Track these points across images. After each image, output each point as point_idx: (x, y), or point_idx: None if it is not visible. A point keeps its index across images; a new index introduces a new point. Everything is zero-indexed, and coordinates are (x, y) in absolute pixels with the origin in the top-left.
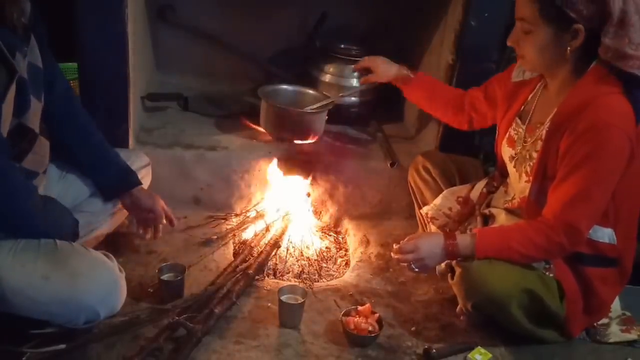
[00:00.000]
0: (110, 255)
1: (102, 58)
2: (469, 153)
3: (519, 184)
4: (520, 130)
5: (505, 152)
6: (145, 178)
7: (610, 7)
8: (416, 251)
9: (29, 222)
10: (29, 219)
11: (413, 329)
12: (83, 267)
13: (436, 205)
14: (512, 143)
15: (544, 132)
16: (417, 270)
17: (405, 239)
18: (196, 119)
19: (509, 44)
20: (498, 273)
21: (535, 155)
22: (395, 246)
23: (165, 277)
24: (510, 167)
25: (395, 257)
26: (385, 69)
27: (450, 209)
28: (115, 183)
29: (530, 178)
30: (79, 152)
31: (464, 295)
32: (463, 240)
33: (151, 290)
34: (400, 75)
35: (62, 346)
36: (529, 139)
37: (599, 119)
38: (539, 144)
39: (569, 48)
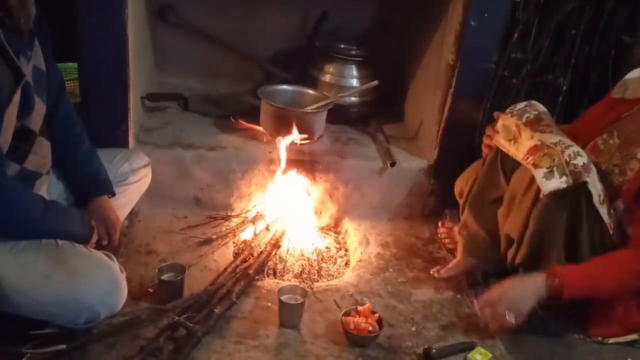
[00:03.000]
0: (111, 255)
1: (102, 58)
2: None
3: None
4: (612, 142)
5: None
6: (145, 178)
7: None
8: (504, 297)
9: (28, 228)
10: (26, 225)
11: (413, 329)
12: (84, 267)
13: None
14: (596, 152)
15: None
16: (512, 319)
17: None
18: (196, 119)
19: None
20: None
21: (629, 173)
22: (476, 304)
23: (165, 277)
24: None
25: (484, 311)
26: None
27: None
28: (83, 191)
29: (614, 191)
30: (65, 160)
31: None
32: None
33: (151, 290)
34: None
35: (63, 346)
36: (618, 154)
37: None
38: (634, 163)
39: None
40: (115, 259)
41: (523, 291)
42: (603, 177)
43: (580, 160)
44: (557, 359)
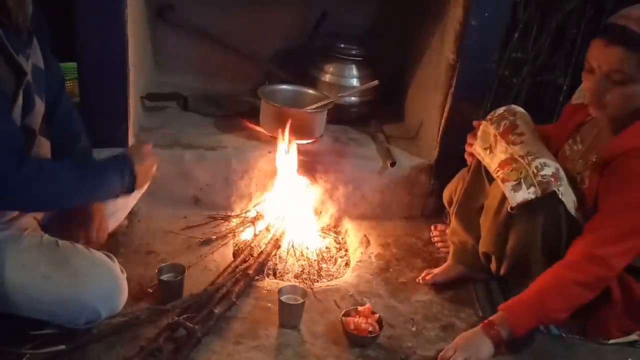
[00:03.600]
0: (112, 255)
1: (102, 58)
2: None
3: None
4: (576, 148)
5: None
6: None
7: None
8: (458, 349)
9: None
10: (68, 194)
11: (413, 329)
12: (84, 267)
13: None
14: (564, 158)
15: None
16: None
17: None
18: (196, 119)
19: (591, 95)
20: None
21: (587, 181)
22: None
23: (164, 277)
24: None
25: None
26: None
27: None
28: None
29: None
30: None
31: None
32: (501, 322)
33: (151, 291)
34: None
35: (62, 347)
36: (581, 161)
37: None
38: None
39: None
40: (115, 259)
41: (475, 344)
42: (571, 183)
43: (548, 171)
44: (557, 359)
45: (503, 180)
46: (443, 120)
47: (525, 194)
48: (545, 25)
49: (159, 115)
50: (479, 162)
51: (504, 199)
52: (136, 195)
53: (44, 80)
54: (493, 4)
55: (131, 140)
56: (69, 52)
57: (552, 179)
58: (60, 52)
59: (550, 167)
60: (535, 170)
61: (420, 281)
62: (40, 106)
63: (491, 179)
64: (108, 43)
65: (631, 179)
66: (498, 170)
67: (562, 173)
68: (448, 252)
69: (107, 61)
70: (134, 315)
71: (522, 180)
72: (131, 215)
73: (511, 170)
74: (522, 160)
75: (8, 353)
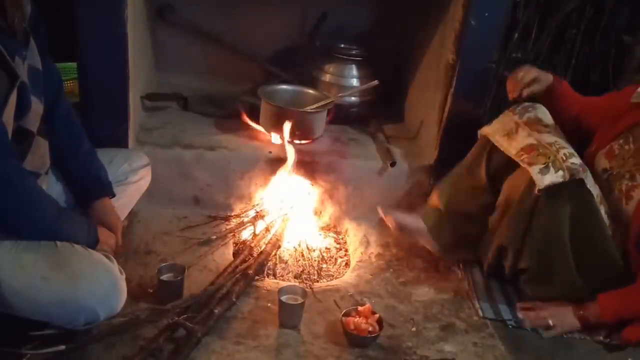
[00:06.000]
0: (111, 256)
1: (102, 58)
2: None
3: (608, 198)
4: (627, 147)
5: (600, 163)
6: (145, 178)
7: None
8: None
9: (40, 228)
10: (38, 224)
11: (413, 329)
12: (83, 268)
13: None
14: (611, 157)
15: None
16: (552, 324)
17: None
18: (196, 119)
19: None
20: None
21: (639, 178)
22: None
23: (164, 277)
24: (599, 179)
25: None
26: (545, 75)
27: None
28: (84, 193)
29: (624, 196)
30: (65, 161)
31: None
32: (593, 305)
33: (151, 291)
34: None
35: (62, 347)
36: (632, 160)
37: None
38: None
39: None
40: (114, 260)
41: (562, 313)
42: (613, 182)
43: (576, 160)
44: (557, 359)
45: (530, 164)
46: (443, 120)
47: (553, 177)
48: (545, 26)
49: (159, 115)
50: (484, 145)
51: (529, 187)
52: (136, 196)
53: (41, 82)
54: (493, 4)
55: (131, 140)
56: (69, 52)
57: (581, 169)
58: (60, 52)
59: (577, 158)
60: (563, 157)
61: (379, 210)
62: (37, 107)
63: (491, 166)
64: (108, 43)
65: None
66: (522, 154)
67: (586, 167)
68: None
69: (107, 61)
70: (133, 316)
71: (550, 164)
72: (131, 215)
73: (538, 155)
74: (549, 147)
75: (8, 353)
